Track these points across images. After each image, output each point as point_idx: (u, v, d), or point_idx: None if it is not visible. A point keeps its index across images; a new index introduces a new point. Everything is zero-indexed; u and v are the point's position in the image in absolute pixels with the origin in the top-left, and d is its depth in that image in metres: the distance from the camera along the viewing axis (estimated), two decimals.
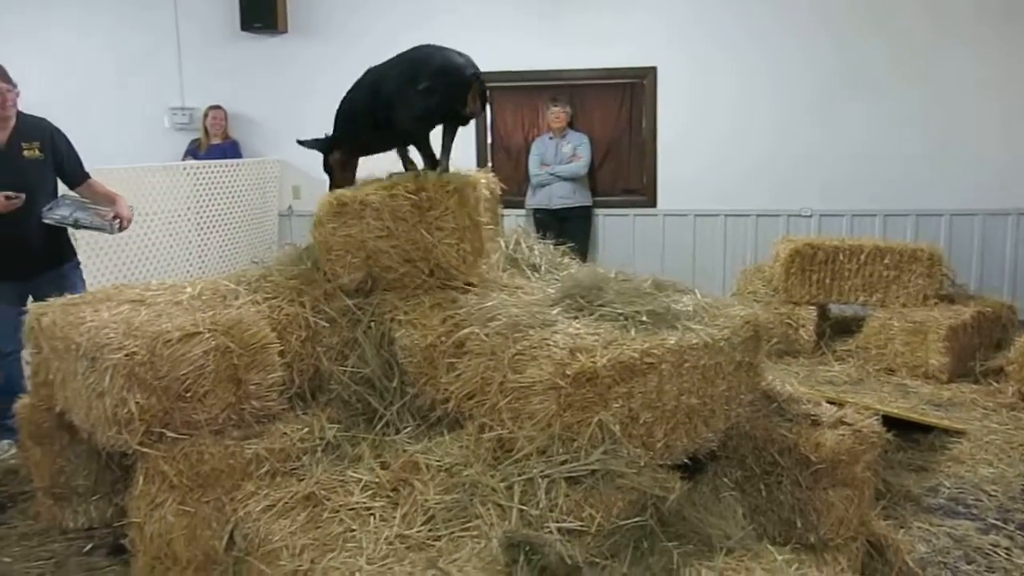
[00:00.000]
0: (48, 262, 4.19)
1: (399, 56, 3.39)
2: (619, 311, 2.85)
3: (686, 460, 2.78)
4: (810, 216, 7.18)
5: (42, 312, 3.24)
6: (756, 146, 7.20)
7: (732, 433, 3.01)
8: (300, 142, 3.63)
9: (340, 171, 3.54)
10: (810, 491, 2.86)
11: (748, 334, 2.97)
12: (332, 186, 3.50)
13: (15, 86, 4.01)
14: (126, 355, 2.69)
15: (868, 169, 7.07)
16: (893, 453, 3.91)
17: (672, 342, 2.66)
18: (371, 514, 2.50)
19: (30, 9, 8.05)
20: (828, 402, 3.23)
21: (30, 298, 3.86)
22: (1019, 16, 6.78)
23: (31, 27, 8.03)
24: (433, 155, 3.33)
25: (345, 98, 3.55)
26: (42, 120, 4.19)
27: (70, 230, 4.31)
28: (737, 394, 2.97)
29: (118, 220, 4.23)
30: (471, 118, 3.38)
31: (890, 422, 3.39)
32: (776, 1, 7.03)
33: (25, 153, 4.06)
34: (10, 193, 3.89)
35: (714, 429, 2.87)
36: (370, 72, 3.50)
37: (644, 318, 2.80)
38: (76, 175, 4.28)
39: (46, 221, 4.10)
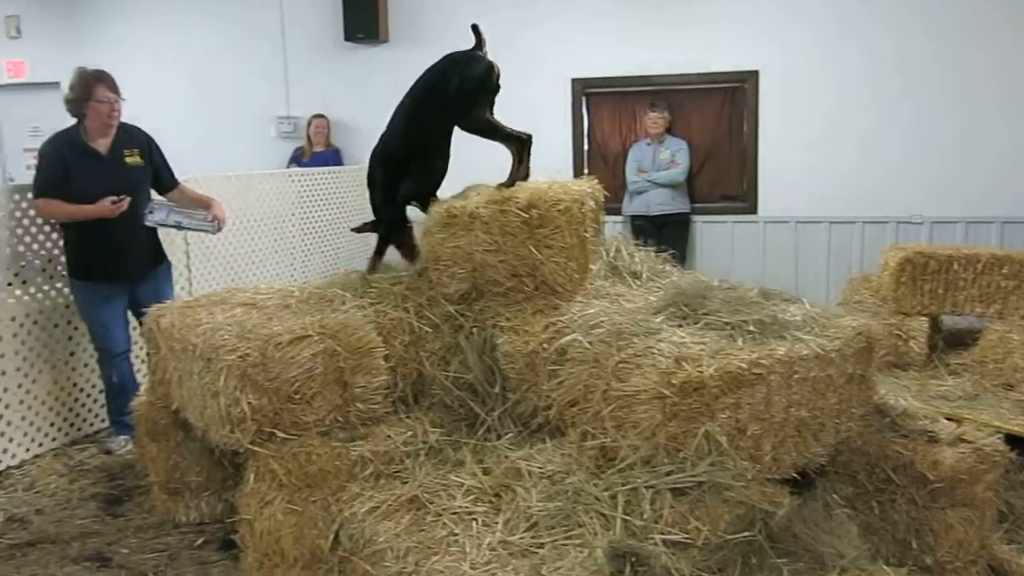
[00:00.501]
0: (148, 264, 4.37)
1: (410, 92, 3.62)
2: (725, 320, 2.80)
3: (795, 475, 2.70)
4: (921, 223, 6.89)
5: (161, 314, 3.39)
6: (862, 150, 6.95)
7: (843, 448, 2.92)
8: (354, 230, 3.86)
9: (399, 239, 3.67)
10: (927, 511, 2.75)
11: (860, 345, 2.87)
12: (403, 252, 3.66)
13: (121, 97, 4.19)
14: (240, 356, 2.79)
15: (983, 173, 6.74)
16: (1015, 473, 3.70)
17: (781, 352, 2.59)
18: (474, 519, 2.51)
19: (145, 19, 8.46)
20: (945, 418, 3.09)
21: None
22: None
23: (146, 35, 8.44)
24: (512, 132, 3.30)
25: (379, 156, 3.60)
26: (138, 129, 4.37)
27: (162, 234, 4.51)
28: (848, 407, 2.87)
29: (215, 221, 4.41)
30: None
31: (1011, 440, 3.22)
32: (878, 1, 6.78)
33: (127, 160, 4.22)
34: (114, 197, 4.06)
35: (824, 443, 2.78)
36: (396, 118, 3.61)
37: (751, 328, 2.74)
38: (170, 182, 4.45)
39: (148, 224, 4.28)
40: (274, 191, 6.32)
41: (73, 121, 4.19)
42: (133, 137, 4.29)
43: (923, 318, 5.53)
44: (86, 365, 4.57)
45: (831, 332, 2.82)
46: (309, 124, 7.82)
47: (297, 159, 7.82)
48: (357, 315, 3.09)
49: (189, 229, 4.49)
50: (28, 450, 4.33)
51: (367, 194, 3.64)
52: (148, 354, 3.58)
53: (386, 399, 3.06)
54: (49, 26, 8.82)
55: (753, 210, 7.22)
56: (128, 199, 4.09)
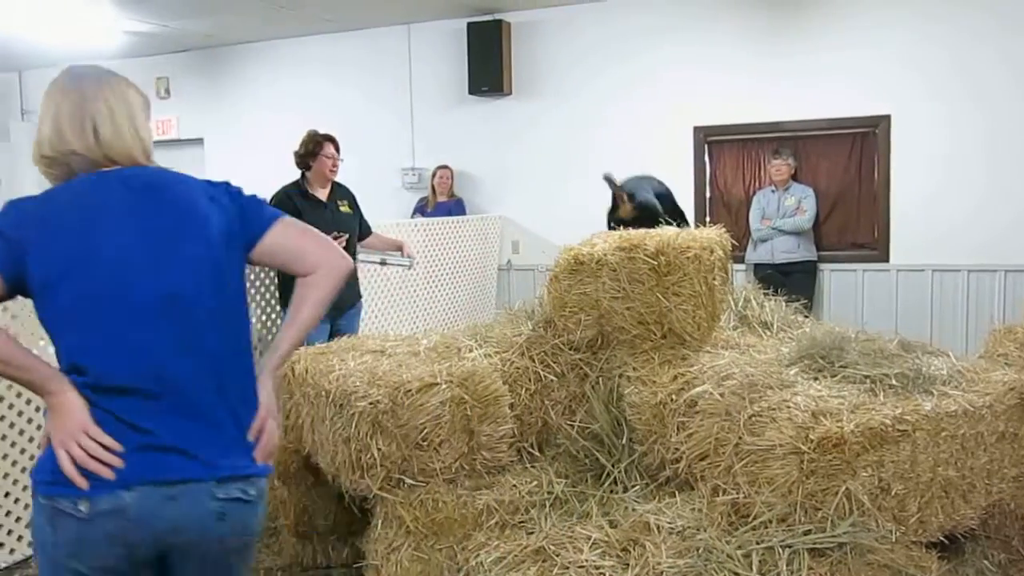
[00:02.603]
0: (352, 299, 4.93)
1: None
2: (864, 373, 2.69)
3: (943, 539, 2.55)
4: None
5: (295, 360, 3.51)
6: (1005, 195, 6.59)
7: (995, 511, 2.75)
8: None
9: None
10: None
11: (1013, 402, 2.71)
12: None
13: (341, 157, 4.92)
14: (371, 403, 2.86)
15: None
16: None
17: (927, 408, 2.47)
18: (601, 573, 2.46)
19: (281, 76, 8.98)
20: None
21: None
22: None
23: (282, 92, 8.95)
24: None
25: None
26: (345, 185, 5.04)
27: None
28: (1000, 468, 2.71)
29: (410, 258, 5.17)
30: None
31: None
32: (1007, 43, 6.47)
33: (342, 209, 4.90)
34: (336, 233, 4.57)
35: (974, 505, 2.62)
36: None
37: (893, 381, 2.62)
38: (367, 230, 5.12)
39: (362, 260, 4.96)
40: (401, 239, 6.50)
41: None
42: (343, 190, 5.00)
43: None
44: None
45: (980, 387, 2.68)
46: (434, 175, 8.03)
47: (421, 209, 8.04)
48: (483, 363, 3.13)
49: (392, 264, 5.20)
50: None
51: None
52: (283, 399, 3.71)
53: (511, 448, 3.07)
54: (195, 86, 9.47)
55: (885, 258, 6.95)
56: (346, 236, 4.69)
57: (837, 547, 2.29)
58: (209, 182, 1.94)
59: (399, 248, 5.18)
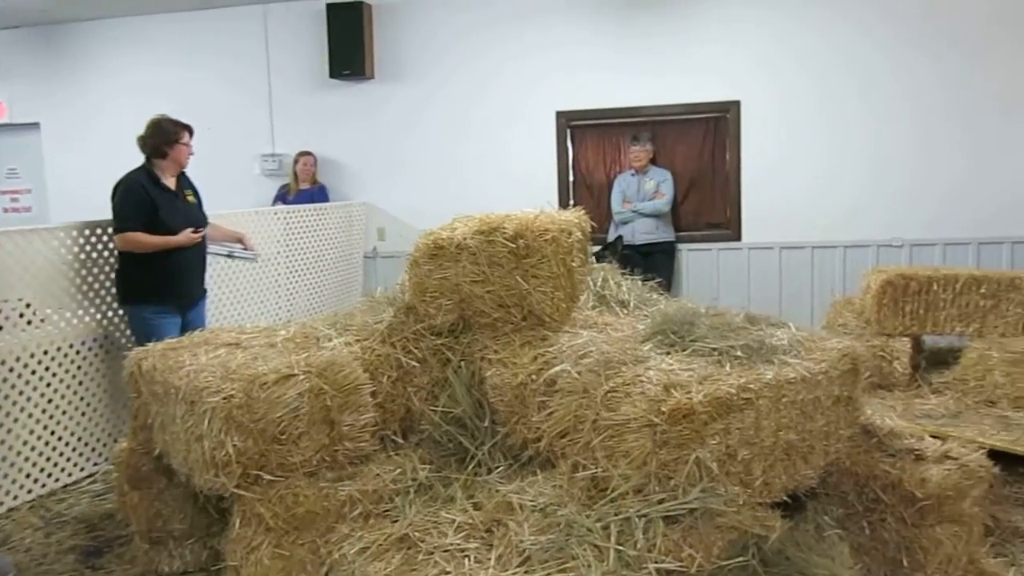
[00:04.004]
0: (201, 293, 4.86)
1: None
2: (712, 346, 2.80)
3: (786, 498, 2.70)
4: (901, 246, 6.96)
5: (142, 357, 3.35)
6: (844, 176, 7.04)
7: (832, 470, 2.92)
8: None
9: None
10: (916, 529, 2.75)
11: (846, 367, 2.89)
12: None
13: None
14: (224, 398, 2.76)
15: (961, 197, 6.84)
16: (1000, 488, 3.72)
17: (769, 377, 2.60)
18: (466, 556, 2.48)
19: (133, 56, 8.51)
20: (931, 436, 3.11)
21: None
22: None
23: (134, 73, 8.49)
24: None
25: None
26: (185, 173, 4.83)
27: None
28: (836, 429, 2.88)
29: (254, 252, 5.14)
30: None
31: (995, 456, 3.24)
32: (866, 29, 6.89)
33: (188, 199, 4.75)
34: (192, 228, 4.58)
35: (814, 466, 2.78)
36: None
37: (739, 353, 2.74)
38: (206, 220, 4.91)
39: (209, 252, 4.86)
40: (259, 229, 6.31)
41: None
42: (187, 180, 4.83)
43: (905, 338, 5.57)
44: (64, 412, 4.47)
45: (817, 355, 2.84)
46: (296, 161, 7.83)
47: (283, 196, 7.82)
48: (343, 352, 3.08)
49: (238, 258, 5.15)
50: (2, 503, 4.18)
51: None
52: (130, 399, 3.53)
53: (374, 437, 3.04)
54: (29, 67, 8.81)
55: (737, 237, 7.28)
56: (204, 230, 4.67)
57: (689, 513, 2.39)
58: None
59: (239, 240, 5.11)
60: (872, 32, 6.88)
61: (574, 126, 7.58)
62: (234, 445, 2.75)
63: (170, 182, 4.68)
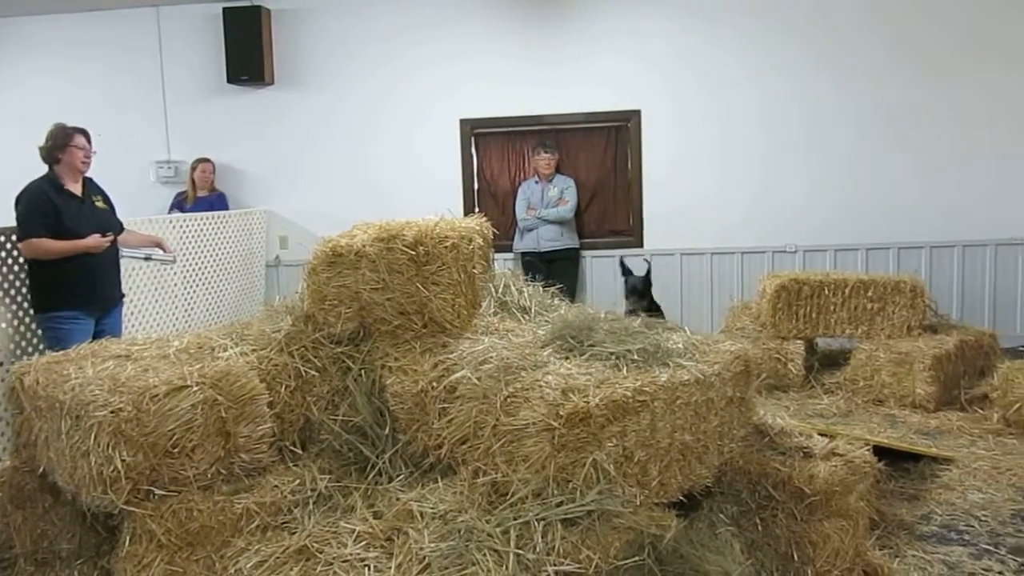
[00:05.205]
0: (117, 297, 4.88)
1: None
2: (610, 350, 2.85)
3: (682, 498, 2.76)
4: (795, 252, 7.24)
5: (23, 371, 3.19)
6: (740, 184, 7.29)
7: (726, 469, 3.00)
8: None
9: None
10: (805, 524, 2.85)
11: (738, 369, 2.98)
12: None
13: (93, 150, 4.73)
14: (111, 412, 2.65)
15: (851, 205, 7.17)
16: (885, 483, 3.91)
17: (664, 379, 2.66)
18: (365, 565, 2.46)
19: (18, 59, 8.14)
20: (819, 434, 3.23)
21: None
22: (991, 55, 6.95)
23: (19, 76, 8.12)
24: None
25: None
26: (94, 180, 4.84)
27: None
28: (730, 429, 2.97)
29: (173, 255, 5.17)
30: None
31: (881, 452, 3.40)
32: (764, 44, 7.17)
33: (97, 205, 4.75)
34: (106, 234, 4.59)
35: (708, 465, 2.85)
36: None
37: (635, 356, 2.80)
38: (121, 227, 4.92)
39: (125, 256, 4.88)
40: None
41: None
42: (95, 186, 4.83)
43: (799, 341, 5.79)
44: None
45: (711, 357, 2.92)
46: (193, 168, 7.62)
47: (180, 204, 7.60)
48: (239, 362, 3.00)
49: (156, 260, 5.17)
50: None
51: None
52: (12, 415, 3.36)
53: (272, 448, 2.97)
54: None
55: (640, 243, 7.43)
56: (112, 235, 4.65)
57: (587, 515, 2.42)
58: None
59: (158, 244, 5.13)
60: (770, 47, 7.16)
61: (478, 134, 7.62)
62: (123, 460, 2.64)
63: (75, 188, 4.66)
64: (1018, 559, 3.34)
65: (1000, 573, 3.25)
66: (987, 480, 4.16)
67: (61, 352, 3.36)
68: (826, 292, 5.70)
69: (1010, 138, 7.03)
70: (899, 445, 4.36)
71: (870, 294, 5.66)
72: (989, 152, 7.05)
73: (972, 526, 3.66)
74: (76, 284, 4.55)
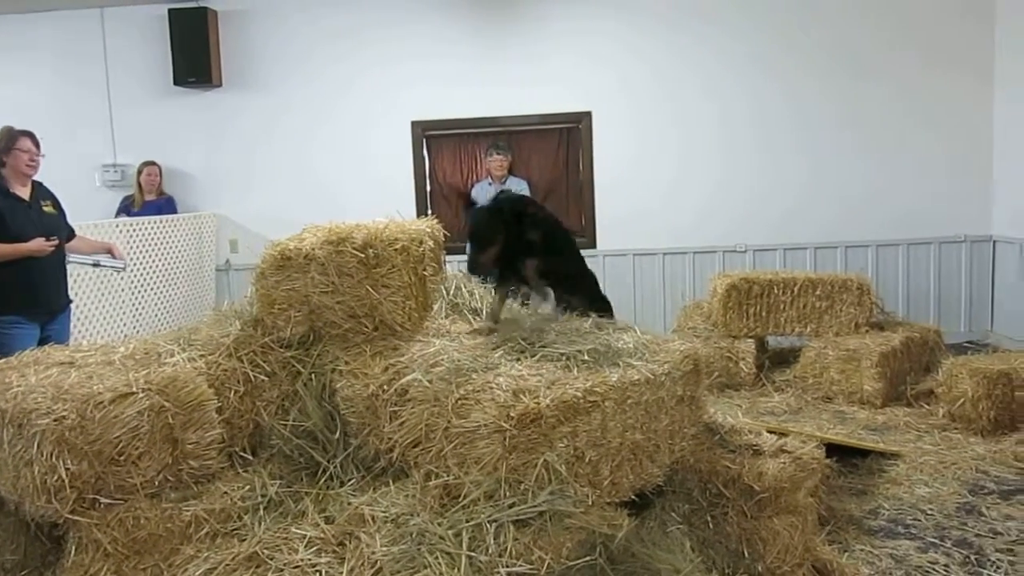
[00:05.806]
0: (64, 302, 4.81)
1: None
2: (561, 351, 2.87)
3: (633, 496, 2.78)
4: (745, 251, 7.34)
5: None
6: (692, 185, 7.37)
7: (677, 467, 3.03)
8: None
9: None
10: (755, 520, 2.89)
11: (688, 368, 3.01)
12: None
13: (41, 153, 4.68)
14: (55, 420, 2.60)
15: (800, 205, 7.30)
16: (834, 479, 3.98)
17: (614, 379, 2.68)
18: (317, 571, 2.44)
19: None
20: (769, 432, 3.28)
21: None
22: (936, 56, 7.13)
23: None
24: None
25: None
26: (44, 184, 4.81)
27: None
28: (680, 428, 3.00)
29: (123, 260, 5.11)
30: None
31: (830, 448, 3.46)
32: (717, 48, 7.26)
33: (45, 209, 4.70)
34: (51, 238, 4.51)
35: (659, 464, 2.88)
36: None
37: (586, 357, 2.81)
38: (71, 232, 4.91)
39: (73, 261, 4.82)
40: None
41: None
42: (45, 190, 4.78)
43: (750, 340, 5.87)
44: None
45: (661, 357, 2.94)
46: (140, 172, 7.48)
47: (127, 208, 7.46)
48: (187, 368, 2.96)
49: (105, 267, 5.07)
50: None
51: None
52: None
53: (221, 454, 2.93)
54: None
55: (593, 244, 7.48)
56: (57, 240, 4.58)
57: (539, 516, 2.43)
58: None
59: (108, 250, 5.06)
60: (722, 51, 7.26)
61: (430, 136, 7.60)
62: (67, 469, 2.59)
63: (22, 192, 4.61)
64: (963, 551, 3.43)
65: (946, 566, 3.32)
66: (933, 474, 4.26)
67: (3, 359, 3.28)
68: (776, 291, 5.80)
69: (954, 139, 7.22)
70: (848, 441, 4.44)
71: (818, 292, 5.77)
72: (934, 152, 7.24)
73: (919, 520, 3.74)
74: (18, 289, 4.49)
